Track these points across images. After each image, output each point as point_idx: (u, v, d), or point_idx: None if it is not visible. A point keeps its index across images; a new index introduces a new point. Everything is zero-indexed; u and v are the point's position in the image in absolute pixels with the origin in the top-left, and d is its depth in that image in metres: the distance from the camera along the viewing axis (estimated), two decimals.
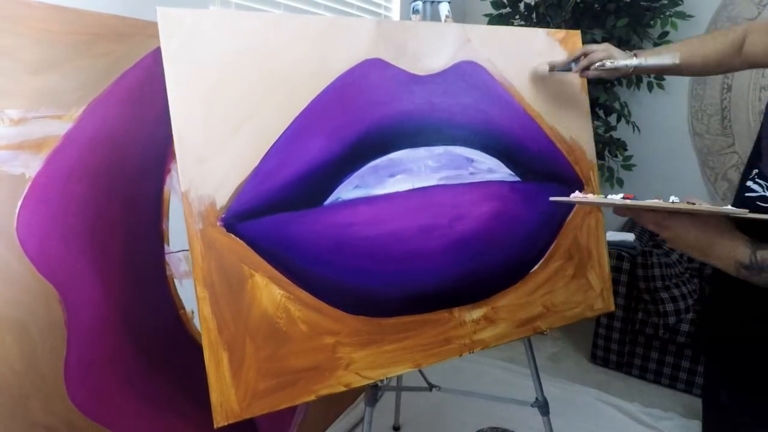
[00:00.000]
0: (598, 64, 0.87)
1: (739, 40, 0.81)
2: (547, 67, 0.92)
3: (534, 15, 1.95)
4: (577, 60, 0.92)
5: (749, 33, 0.80)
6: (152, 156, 0.80)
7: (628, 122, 1.97)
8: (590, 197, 0.62)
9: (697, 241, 0.56)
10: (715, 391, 0.75)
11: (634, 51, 0.89)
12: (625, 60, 0.86)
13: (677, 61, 0.84)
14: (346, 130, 0.74)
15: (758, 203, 0.64)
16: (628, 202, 0.56)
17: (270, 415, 0.69)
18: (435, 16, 0.98)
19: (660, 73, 0.93)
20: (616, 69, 0.87)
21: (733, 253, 0.55)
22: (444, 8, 0.96)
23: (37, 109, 0.65)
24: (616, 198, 0.57)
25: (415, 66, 0.81)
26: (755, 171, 0.66)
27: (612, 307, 1.03)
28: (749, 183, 0.66)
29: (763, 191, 0.63)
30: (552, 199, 0.64)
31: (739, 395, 0.69)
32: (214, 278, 0.65)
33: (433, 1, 0.98)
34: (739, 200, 0.67)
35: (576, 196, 0.64)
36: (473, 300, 0.87)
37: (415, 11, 0.98)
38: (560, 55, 0.96)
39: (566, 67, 0.93)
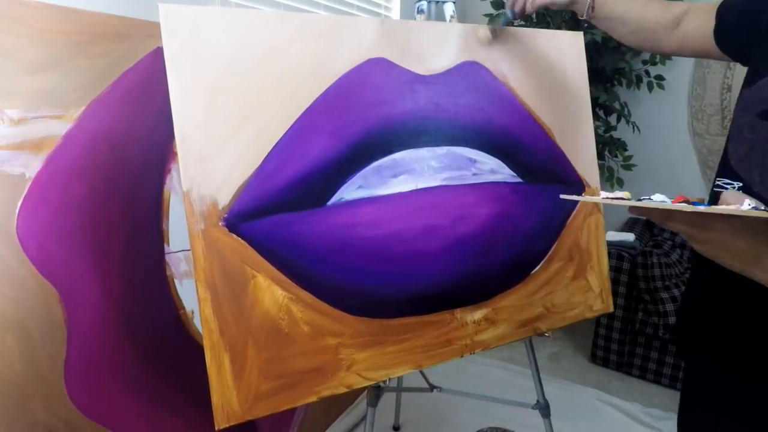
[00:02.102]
0: None
1: (678, 16, 0.77)
2: (489, 34, 0.89)
3: (534, 15, 1.95)
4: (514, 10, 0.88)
5: (689, 12, 0.76)
6: (152, 156, 0.79)
7: (628, 122, 1.97)
8: (624, 198, 0.51)
9: (747, 248, 0.47)
10: (703, 384, 0.68)
11: None
12: None
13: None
14: (349, 129, 0.74)
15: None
16: (682, 206, 0.44)
17: (270, 415, 0.69)
18: (440, 16, 0.98)
19: (596, 20, 0.86)
20: None
21: None
22: (449, 8, 0.96)
23: (37, 109, 0.65)
24: (658, 199, 0.46)
25: (419, 66, 0.81)
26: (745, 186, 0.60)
27: (611, 308, 1.03)
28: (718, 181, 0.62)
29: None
30: (578, 198, 0.58)
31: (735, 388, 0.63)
32: (216, 279, 0.65)
33: (438, 1, 0.98)
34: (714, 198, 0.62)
35: (607, 195, 0.54)
36: (475, 301, 0.87)
37: (420, 11, 0.98)
38: (564, 58, 0.96)
39: (506, 21, 0.89)
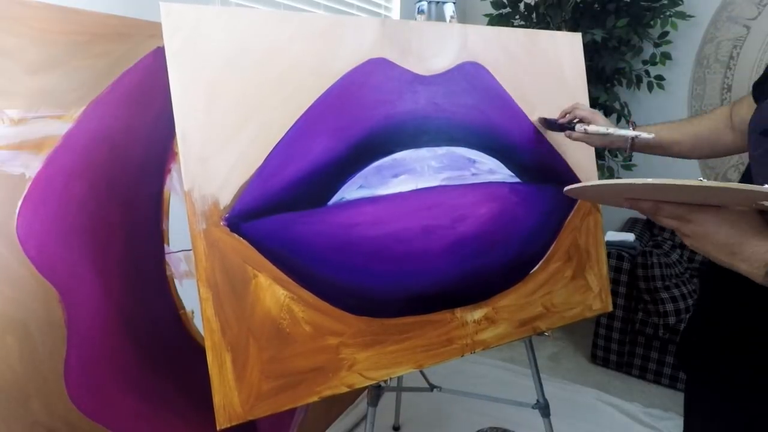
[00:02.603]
0: (578, 127, 0.87)
1: (726, 115, 0.79)
2: (537, 120, 0.93)
3: (534, 15, 1.95)
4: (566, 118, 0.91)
5: (733, 106, 0.78)
6: (152, 156, 0.79)
7: (628, 122, 1.97)
8: (603, 181, 0.55)
9: (727, 239, 0.50)
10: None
11: (631, 122, 0.87)
12: (599, 127, 0.85)
13: (649, 136, 0.81)
14: (350, 129, 0.74)
15: None
16: (650, 181, 0.47)
17: (270, 414, 0.69)
18: (440, 17, 0.99)
19: (642, 150, 0.88)
20: (594, 134, 0.86)
21: (766, 254, 0.48)
22: (449, 9, 0.96)
23: (36, 109, 0.65)
24: (638, 179, 0.49)
25: (420, 66, 0.81)
26: None
27: (610, 308, 1.03)
28: None
29: None
30: (567, 189, 0.58)
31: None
32: (217, 279, 0.65)
33: (438, 2, 0.98)
34: None
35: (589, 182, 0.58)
36: (475, 300, 0.87)
37: (420, 11, 0.98)
38: (563, 58, 0.96)
39: (555, 124, 0.91)
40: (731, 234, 0.50)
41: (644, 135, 0.81)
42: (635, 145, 0.85)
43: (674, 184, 0.45)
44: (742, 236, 0.49)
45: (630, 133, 0.83)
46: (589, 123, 0.87)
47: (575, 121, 0.89)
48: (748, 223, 0.50)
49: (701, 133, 0.82)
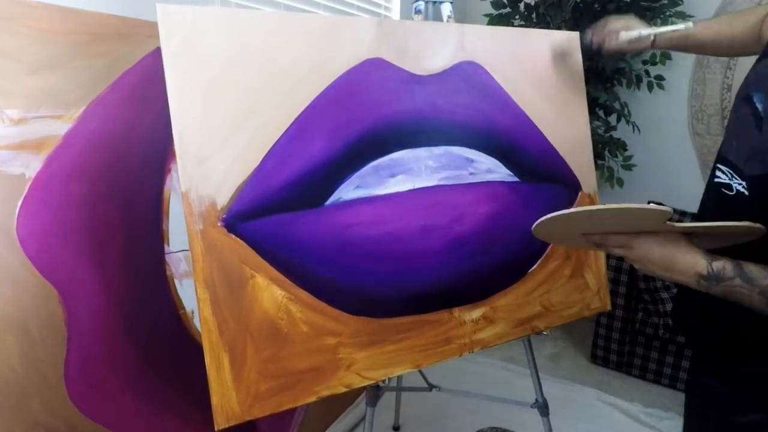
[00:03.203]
0: (622, 35, 0.87)
1: (758, 24, 0.79)
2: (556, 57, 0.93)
3: (534, 15, 1.95)
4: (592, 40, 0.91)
5: (766, 18, 0.78)
6: (152, 156, 0.79)
7: (628, 122, 1.97)
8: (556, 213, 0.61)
9: (661, 257, 0.59)
10: (704, 380, 0.72)
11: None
12: (640, 29, 0.86)
13: (689, 25, 0.84)
14: (347, 129, 0.74)
15: (722, 190, 0.64)
16: (584, 208, 0.58)
17: (270, 415, 0.69)
18: (437, 17, 0.99)
19: (680, 48, 0.90)
20: (636, 40, 0.87)
21: (693, 265, 0.57)
22: (446, 8, 0.97)
23: (36, 109, 0.65)
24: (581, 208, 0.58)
25: (417, 66, 0.81)
26: (720, 155, 0.66)
27: (608, 307, 1.03)
28: (717, 168, 0.66)
29: (728, 179, 0.63)
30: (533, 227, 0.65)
31: (728, 382, 0.67)
32: (214, 279, 0.65)
33: (435, 2, 0.98)
34: (708, 186, 0.68)
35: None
36: (473, 300, 0.87)
37: (417, 11, 0.98)
38: (564, 56, 0.96)
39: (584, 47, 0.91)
40: (663, 253, 0.59)
41: (680, 27, 0.84)
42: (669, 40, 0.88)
43: (603, 209, 0.55)
44: (673, 253, 0.58)
45: (674, 27, 0.84)
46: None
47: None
48: (674, 243, 0.59)
49: (736, 38, 0.83)
